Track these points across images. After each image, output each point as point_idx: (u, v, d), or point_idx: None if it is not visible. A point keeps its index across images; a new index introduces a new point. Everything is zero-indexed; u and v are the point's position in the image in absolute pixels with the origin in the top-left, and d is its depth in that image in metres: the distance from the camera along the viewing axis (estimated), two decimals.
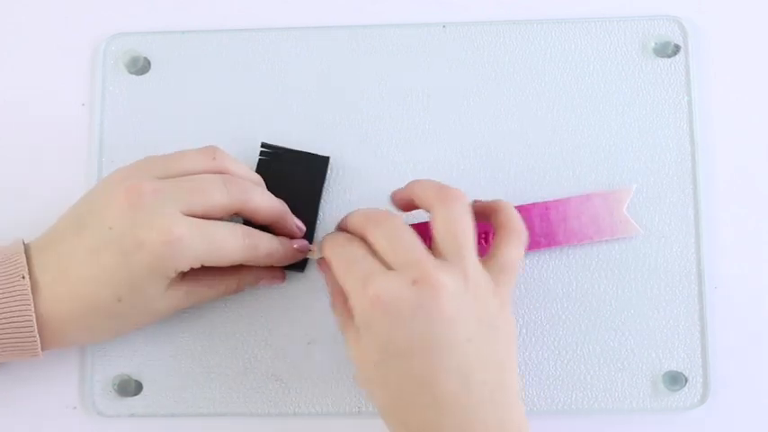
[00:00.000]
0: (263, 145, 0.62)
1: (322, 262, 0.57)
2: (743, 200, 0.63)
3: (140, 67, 0.65)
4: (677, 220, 0.62)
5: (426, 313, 0.50)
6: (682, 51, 0.64)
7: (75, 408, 0.61)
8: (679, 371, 0.60)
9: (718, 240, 0.62)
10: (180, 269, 0.54)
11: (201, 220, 0.55)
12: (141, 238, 0.53)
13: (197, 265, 0.55)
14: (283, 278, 0.61)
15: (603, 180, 0.62)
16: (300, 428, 0.61)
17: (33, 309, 0.54)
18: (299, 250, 0.60)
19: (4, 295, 0.54)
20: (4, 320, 0.54)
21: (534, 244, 0.60)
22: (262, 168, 0.62)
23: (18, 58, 0.66)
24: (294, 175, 0.62)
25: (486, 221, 0.57)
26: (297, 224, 0.60)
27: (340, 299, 0.55)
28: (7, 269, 0.55)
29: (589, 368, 0.60)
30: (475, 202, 0.56)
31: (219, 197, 0.55)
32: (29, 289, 0.54)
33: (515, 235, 0.55)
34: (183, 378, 0.61)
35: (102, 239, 0.54)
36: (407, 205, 0.57)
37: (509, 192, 0.62)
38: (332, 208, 0.63)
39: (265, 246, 0.57)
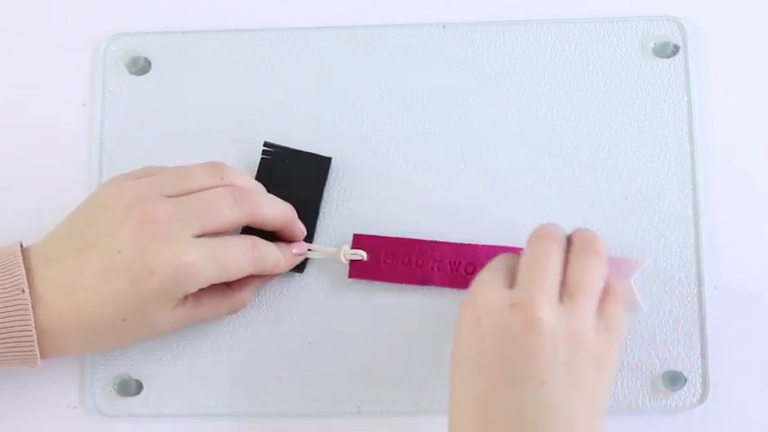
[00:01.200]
0: (266, 144, 0.62)
1: None
2: (742, 200, 0.63)
3: (141, 67, 0.65)
4: (676, 220, 0.62)
5: (510, 339, 0.49)
6: (681, 52, 0.64)
7: (75, 407, 0.61)
8: (678, 371, 0.60)
9: (717, 240, 0.62)
10: (189, 292, 0.55)
11: (212, 239, 0.55)
12: (152, 265, 0.53)
13: (206, 285, 0.55)
14: (293, 266, 0.61)
15: (603, 180, 0.62)
16: (301, 428, 0.61)
17: (33, 323, 0.53)
18: (299, 254, 0.60)
19: (5, 308, 0.53)
20: (3, 333, 0.53)
21: None
22: (263, 168, 0.62)
23: (18, 58, 0.66)
24: (296, 175, 0.62)
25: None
26: (300, 228, 0.60)
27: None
28: (6, 281, 0.54)
29: None
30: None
31: (230, 213, 0.56)
32: (29, 304, 0.53)
33: (616, 296, 0.53)
34: (183, 378, 0.61)
35: (111, 263, 0.54)
36: None
37: (509, 192, 0.62)
38: (331, 208, 0.63)
39: (271, 256, 0.58)
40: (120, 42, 0.65)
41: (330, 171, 0.62)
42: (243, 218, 0.56)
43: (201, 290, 0.56)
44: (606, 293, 0.53)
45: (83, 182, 0.63)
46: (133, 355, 0.61)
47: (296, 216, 0.59)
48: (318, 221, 0.62)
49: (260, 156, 0.62)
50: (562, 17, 0.65)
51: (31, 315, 0.53)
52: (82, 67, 0.65)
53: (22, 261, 0.54)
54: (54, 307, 0.54)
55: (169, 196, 0.55)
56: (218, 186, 0.56)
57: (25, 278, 0.54)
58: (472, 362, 0.51)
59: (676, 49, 0.64)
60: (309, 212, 0.62)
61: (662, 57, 0.64)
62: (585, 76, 0.64)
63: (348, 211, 0.62)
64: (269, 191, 0.60)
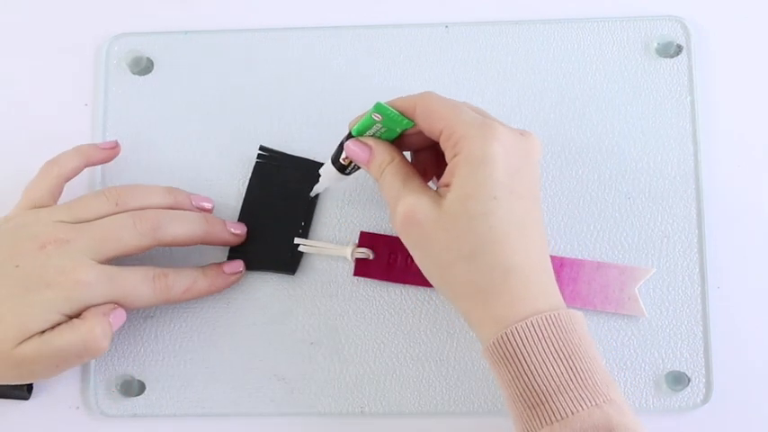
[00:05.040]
0: (261, 148, 0.63)
1: (361, 138, 0.56)
2: (745, 200, 0.63)
3: (143, 67, 0.65)
4: (680, 220, 0.62)
5: (532, 164, 0.53)
6: (684, 51, 0.64)
7: (78, 408, 0.61)
8: (682, 371, 0.60)
9: (720, 240, 0.62)
10: (80, 310, 0.55)
11: (112, 267, 0.56)
12: (48, 279, 0.54)
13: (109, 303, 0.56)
14: (226, 285, 0.61)
15: (606, 180, 0.62)
16: (302, 428, 0.61)
17: None
18: (231, 273, 0.60)
19: None
20: None
21: None
22: (258, 172, 0.62)
23: (21, 58, 0.66)
24: (290, 180, 0.62)
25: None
26: (232, 231, 0.60)
27: (403, 163, 0.55)
28: None
29: None
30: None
31: (130, 239, 0.56)
32: None
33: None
34: (185, 378, 0.61)
35: (4, 276, 0.55)
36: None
37: None
38: (330, 209, 0.63)
39: (182, 284, 0.58)
40: (122, 42, 0.65)
41: None
42: (144, 242, 0.57)
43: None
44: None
45: (86, 181, 0.63)
46: (136, 356, 0.61)
47: (212, 226, 0.59)
48: (318, 222, 0.62)
49: (257, 158, 0.63)
50: (565, 17, 0.65)
51: None
52: (85, 67, 0.65)
53: None
54: None
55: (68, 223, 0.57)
56: (116, 213, 0.57)
57: None
58: (512, 189, 0.52)
59: (679, 48, 0.64)
60: (305, 216, 0.62)
61: (665, 56, 0.64)
62: (589, 75, 0.64)
63: (347, 211, 0.62)
64: (263, 194, 0.60)
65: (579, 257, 0.61)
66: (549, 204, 0.62)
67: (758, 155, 0.63)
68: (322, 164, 0.61)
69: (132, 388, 0.61)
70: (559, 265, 0.60)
